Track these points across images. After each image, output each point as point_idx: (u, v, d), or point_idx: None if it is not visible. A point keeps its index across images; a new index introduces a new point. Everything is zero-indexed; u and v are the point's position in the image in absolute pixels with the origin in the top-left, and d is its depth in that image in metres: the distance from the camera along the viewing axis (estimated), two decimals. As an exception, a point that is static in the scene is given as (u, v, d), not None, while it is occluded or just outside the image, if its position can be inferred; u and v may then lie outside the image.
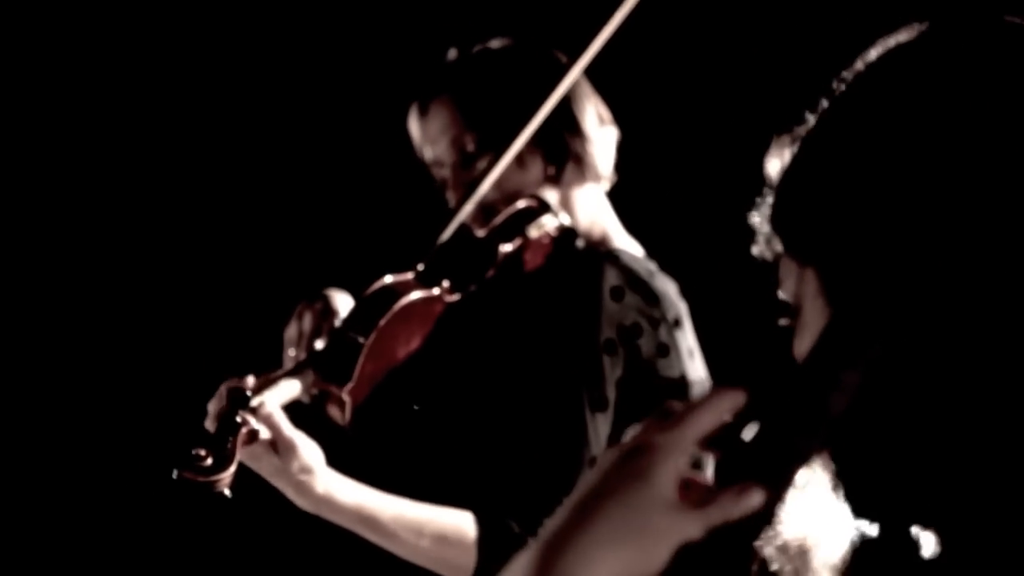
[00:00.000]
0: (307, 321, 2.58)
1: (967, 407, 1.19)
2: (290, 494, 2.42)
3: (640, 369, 2.58)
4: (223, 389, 2.39)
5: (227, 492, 2.24)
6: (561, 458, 2.49)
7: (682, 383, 2.63)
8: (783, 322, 1.26)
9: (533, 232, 2.63)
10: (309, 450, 2.39)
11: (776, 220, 1.30)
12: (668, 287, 2.70)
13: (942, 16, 1.27)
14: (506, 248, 2.62)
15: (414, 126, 2.79)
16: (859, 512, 1.22)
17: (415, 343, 2.53)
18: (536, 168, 2.72)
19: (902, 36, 1.27)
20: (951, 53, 1.23)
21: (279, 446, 2.37)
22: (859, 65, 1.27)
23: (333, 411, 2.48)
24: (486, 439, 2.63)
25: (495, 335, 2.63)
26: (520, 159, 2.68)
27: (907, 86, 1.23)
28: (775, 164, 1.30)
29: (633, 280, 2.62)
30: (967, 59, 1.22)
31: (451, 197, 2.75)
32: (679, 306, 2.70)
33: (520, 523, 2.46)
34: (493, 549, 2.45)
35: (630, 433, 1.19)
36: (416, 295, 2.54)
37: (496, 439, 2.60)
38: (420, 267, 2.60)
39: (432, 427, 2.70)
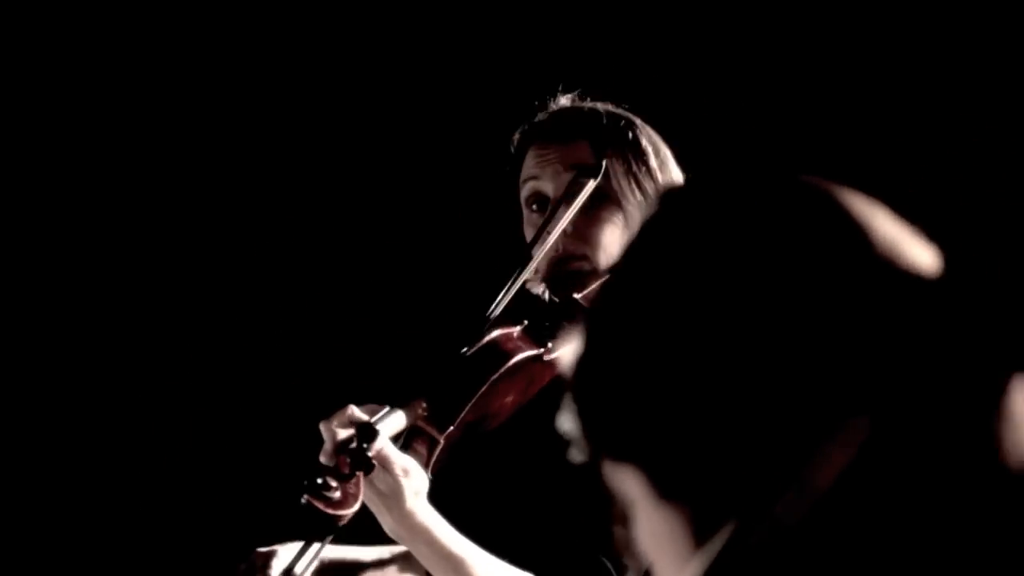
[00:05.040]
0: None
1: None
2: (391, 518, 2.34)
3: None
4: (349, 417, 2.33)
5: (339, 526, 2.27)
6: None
7: None
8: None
9: None
10: (420, 473, 2.35)
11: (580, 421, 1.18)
12: None
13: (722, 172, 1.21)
14: None
15: (535, 155, 2.71)
16: None
17: (510, 397, 2.53)
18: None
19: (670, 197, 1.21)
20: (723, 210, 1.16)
21: (395, 470, 2.32)
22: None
23: (419, 449, 2.44)
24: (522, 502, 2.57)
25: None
26: (627, 225, 2.63)
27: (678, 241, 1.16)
28: None
29: None
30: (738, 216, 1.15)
31: (530, 233, 2.68)
32: None
33: None
34: None
35: None
36: (528, 353, 2.54)
37: (529, 508, 2.54)
38: (526, 322, 2.58)
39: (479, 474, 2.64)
